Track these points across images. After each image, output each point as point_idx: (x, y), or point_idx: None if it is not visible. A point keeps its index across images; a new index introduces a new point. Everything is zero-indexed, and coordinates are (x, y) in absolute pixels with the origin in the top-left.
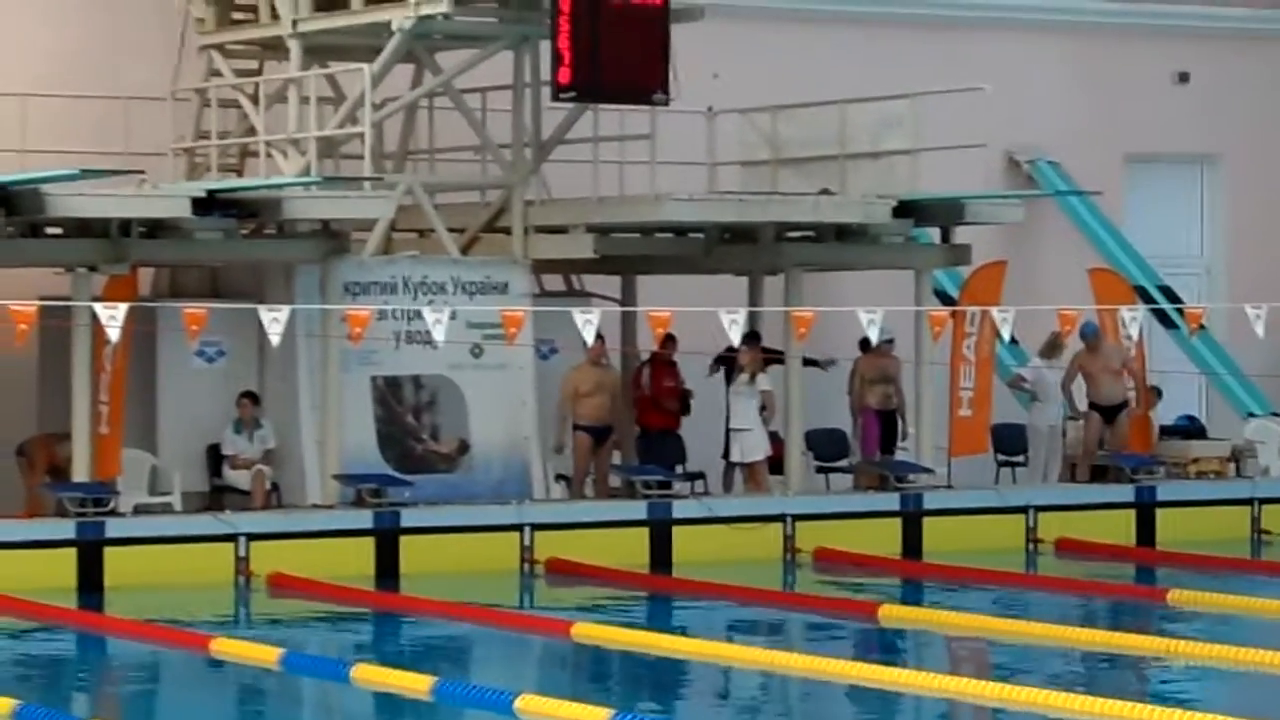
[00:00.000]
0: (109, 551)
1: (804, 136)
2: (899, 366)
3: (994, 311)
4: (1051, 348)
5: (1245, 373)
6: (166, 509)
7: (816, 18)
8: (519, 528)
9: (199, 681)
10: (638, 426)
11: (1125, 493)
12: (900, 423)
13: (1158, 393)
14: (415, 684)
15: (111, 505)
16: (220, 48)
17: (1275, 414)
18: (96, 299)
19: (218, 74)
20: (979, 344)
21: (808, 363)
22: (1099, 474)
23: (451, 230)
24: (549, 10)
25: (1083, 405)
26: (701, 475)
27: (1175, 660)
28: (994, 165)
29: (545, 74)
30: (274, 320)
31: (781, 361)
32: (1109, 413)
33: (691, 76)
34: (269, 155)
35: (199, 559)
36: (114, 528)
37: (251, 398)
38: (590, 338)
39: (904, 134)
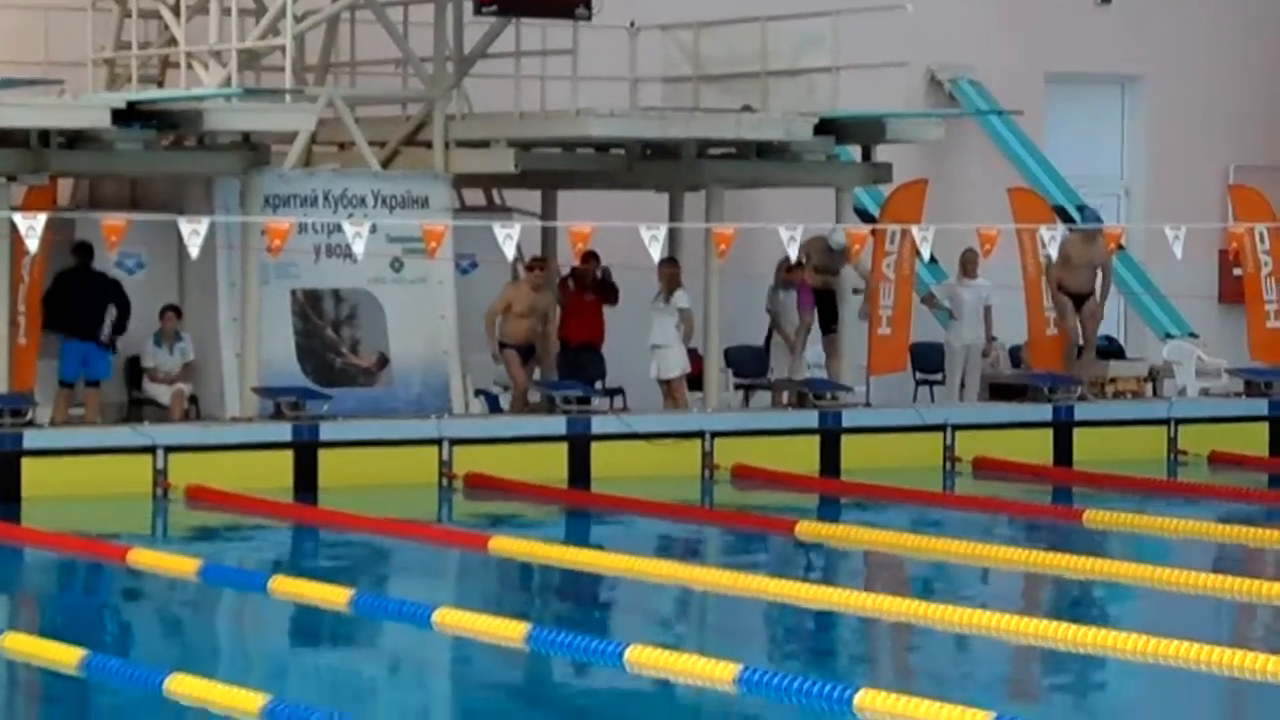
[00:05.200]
0: (26, 462)
1: (726, 53)
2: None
3: (914, 230)
4: (965, 264)
5: (1163, 293)
6: (84, 420)
7: None
8: (438, 442)
9: (117, 592)
10: (558, 341)
11: (1043, 412)
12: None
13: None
14: (333, 596)
15: (29, 416)
16: None
17: (1193, 335)
18: (15, 209)
19: None
20: (899, 262)
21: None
22: (1018, 393)
23: (372, 144)
24: None
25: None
26: (620, 391)
27: (1090, 579)
28: (915, 84)
29: None
30: (193, 232)
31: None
32: (1078, 300)
33: None
34: (190, 67)
35: (117, 471)
36: (32, 439)
37: (175, 311)
38: (510, 252)
39: (825, 51)
